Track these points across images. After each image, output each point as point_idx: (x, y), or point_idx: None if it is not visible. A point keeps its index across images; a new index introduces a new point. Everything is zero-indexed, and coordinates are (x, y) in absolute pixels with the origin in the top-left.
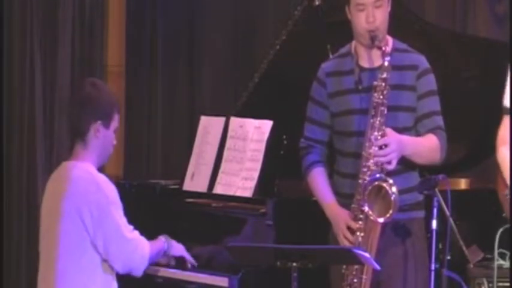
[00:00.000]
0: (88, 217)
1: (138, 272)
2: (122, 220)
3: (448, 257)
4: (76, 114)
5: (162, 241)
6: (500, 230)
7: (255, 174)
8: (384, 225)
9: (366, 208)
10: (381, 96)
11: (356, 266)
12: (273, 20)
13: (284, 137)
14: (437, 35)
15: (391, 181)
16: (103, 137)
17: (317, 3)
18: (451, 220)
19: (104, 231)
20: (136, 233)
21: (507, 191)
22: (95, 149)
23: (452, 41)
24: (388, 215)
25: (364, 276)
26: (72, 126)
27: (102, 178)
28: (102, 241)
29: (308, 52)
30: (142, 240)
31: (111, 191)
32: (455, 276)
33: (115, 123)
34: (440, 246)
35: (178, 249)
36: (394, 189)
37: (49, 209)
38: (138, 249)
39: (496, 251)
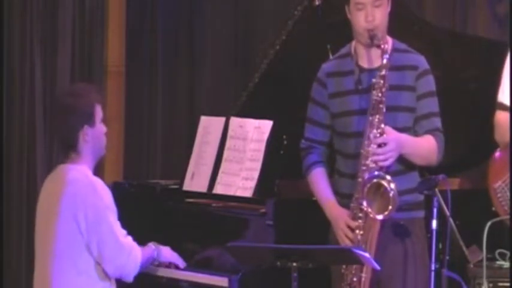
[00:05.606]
0: (83, 219)
1: (129, 277)
2: (117, 225)
3: (448, 257)
4: (62, 128)
5: (152, 248)
6: (488, 223)
7: (255, 174)
8: (383, 222)
9: (365, 205)
10: (380, 94)
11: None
12: (273, 20)
13: (284, 137)
14: (437, 35)
15: (389, 178)
16: (92, 138)
17: (317, 3)
18: (451, 220)
19: (99, 234)
20: (130, 238)
21: (499, 183)
22: (88, 152)
23: (452, 41)
24: (387, 212)
25: (363, 275)
26: (61, 139)
27: (98, 181)
28: (96, 244)
29: (308, 52)
30: (135, 246)
31: (106, 195)
32: (455, 276)
33: (99, 115)
34: (440, 246)
35: (167, 255)
36: (392, 185)
37: (45, 210)
38: (132, 255)
39: (485, 245)
